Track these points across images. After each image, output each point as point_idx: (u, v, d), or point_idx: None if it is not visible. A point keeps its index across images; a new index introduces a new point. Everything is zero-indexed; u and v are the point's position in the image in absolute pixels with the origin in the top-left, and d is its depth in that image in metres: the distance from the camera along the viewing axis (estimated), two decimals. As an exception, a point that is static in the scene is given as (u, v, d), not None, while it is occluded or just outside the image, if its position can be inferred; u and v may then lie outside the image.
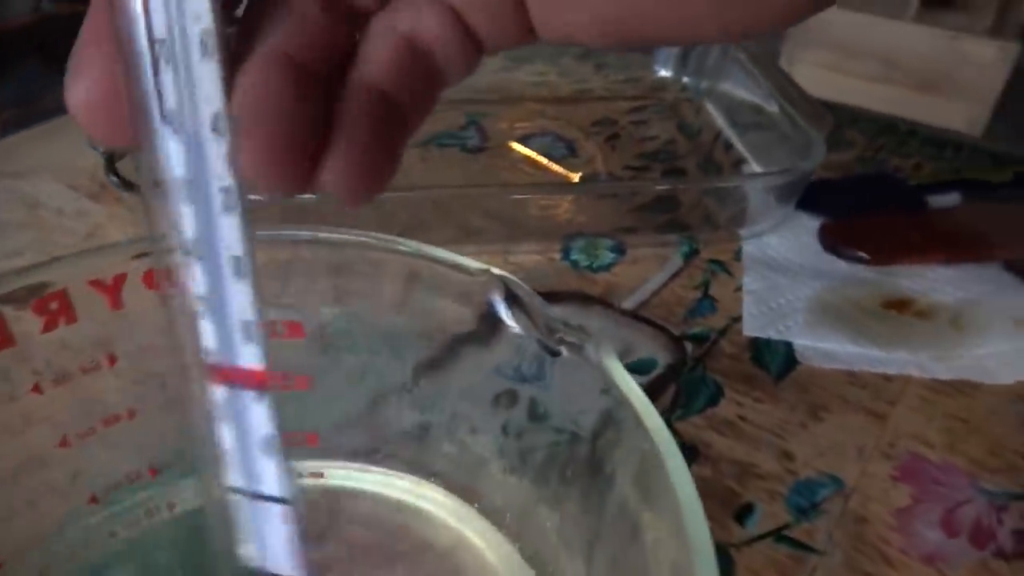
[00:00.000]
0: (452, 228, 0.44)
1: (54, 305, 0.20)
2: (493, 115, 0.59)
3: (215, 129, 0.13)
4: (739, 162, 0.53)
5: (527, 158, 0.54)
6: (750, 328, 0.38)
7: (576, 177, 0.53)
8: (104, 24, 0.13)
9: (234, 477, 0.16)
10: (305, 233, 0.23)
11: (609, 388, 0.18)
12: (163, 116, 0.13)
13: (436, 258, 0.21)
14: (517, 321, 0.20)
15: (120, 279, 0.21)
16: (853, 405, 0.34)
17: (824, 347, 0.37)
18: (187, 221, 0.13)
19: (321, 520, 0.26)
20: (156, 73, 0.12)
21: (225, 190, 0.13)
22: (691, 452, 0.32)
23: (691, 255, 0.44)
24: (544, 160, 0.54)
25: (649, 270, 0.43)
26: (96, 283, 0.21)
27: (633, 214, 0.45)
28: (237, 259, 0.14)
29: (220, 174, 0.13)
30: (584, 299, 0.41)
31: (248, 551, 0.17)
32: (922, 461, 0.32)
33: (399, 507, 0.26)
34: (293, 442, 0.25)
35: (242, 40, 0.13)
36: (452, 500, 0.25)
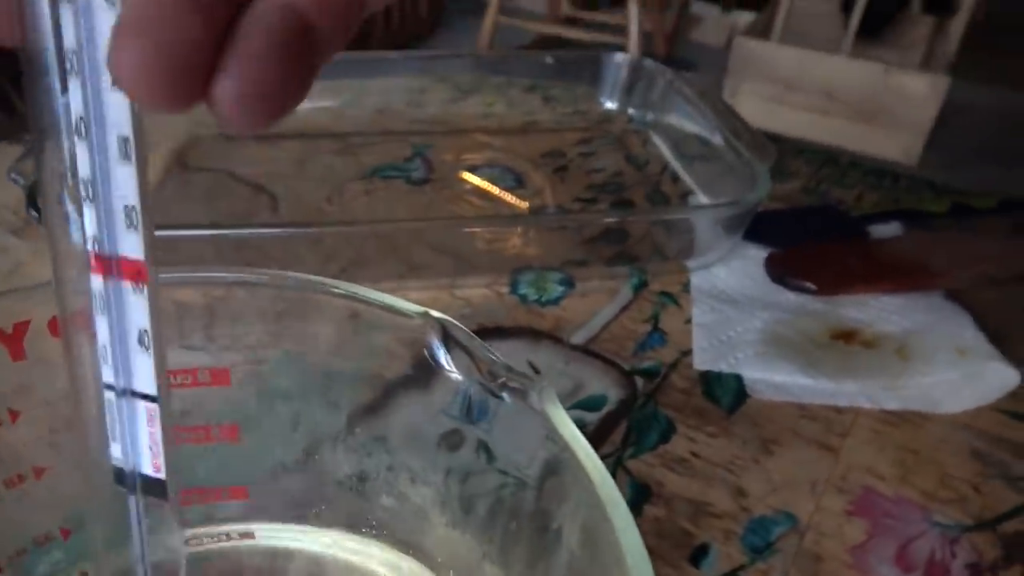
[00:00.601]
0: (397, 263, 0.43)
1: (-53, 357, 0.18)
2: (439, 147, 0.58)
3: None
4: (687, 193, 0.53)
5: (474, 189, 0.53)
6: (701, 362, 0.38)
7: (525, 205, 0.52)
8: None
9: (106, 372, 0.16)
10: (238, 275, 0.22)
11: (552, 436, 0.17)
12: None
13: (373, 301, 0.20)
14: (457, 366, 0.19)
15: (22, 327, 0.19)
16: (805, 438, 0.34)
17: (774, 379, 0.37)
18: (75, 96, 0.13)
19: (252, 581, 0.24)
20: None
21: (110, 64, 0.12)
22: (644, 491, 0.31)
23: (640, 287, 0.43)
24: (495, 189, 0.53)
25: (598, 303, 0.42)
26: (-6, 332, 0.19)
27: (582, 246, 0.44)
28: (125, 139, 0.13)
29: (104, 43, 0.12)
30: (533, 334, 0.40)
31: (116, 451, 0.17)
32: (875, 494, 0.32)
33: (337, 565, 0.24)
34: (220, 497, 0.24)
35: None
36: (394, 555, 0.23)
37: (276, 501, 0.24)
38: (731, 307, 0.42)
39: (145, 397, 0.16)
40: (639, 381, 0.37)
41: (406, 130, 0.61)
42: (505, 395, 0.18)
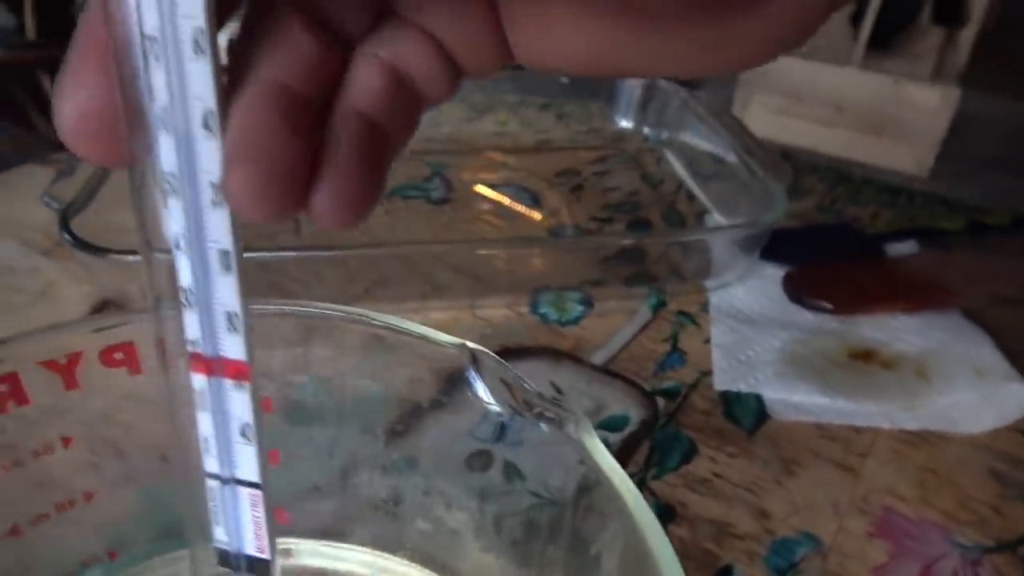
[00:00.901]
0: (419, 284, 0.44)
1: (4, 387, 0.19)
2: (456, 166, 0.59)
3: (206, 127, 0.13)
4: (702, 212, 0.54)
5: (494, 207, 0.54)
6: (721, 382, 0.38)
7: (539, 217, 0.53)
8: (94, 39, 0.13)
9: (211, 463, 0.16)
10: (274, 307, 0.22)
11: (587, 462, 0.17)
12: (154, 115, 0.13)
13: (410, 332, 0.21)
14: (494, 396, 0.19)
15: (75, 358, 0.20)
16: (825, 459, 0.35)
17: (794, 400, 0.37)
18: (176, 215, 0.14)
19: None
20: (147, 71, 0.12)
21: (215, 186, 0.13)
22: (667, 512, 0.32)
23: (659, 307, 0.44)
24: (509, 201, 0.54)
25: (618, 323, 0.43)
26: (50, 364, 0.20)
27: (600, 266, 0.45)
28: (225, 253, 0.14)
29: (210, 170, 0.13)
30: (554, 354, 0.40)
31: (220, 534, 0.17)
32: (896, 515, 0.32)
33: (371, 585, 0.25)
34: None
35: (234, 69, 0.13)
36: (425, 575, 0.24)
37: (313, 522, 0.25)
38: (749, 327, 0.42)
39: (248, 484, 0.17)
40: (660, 401, 0.37)
41: (422, 149, 0.61)
42: (543, 425, 0.18)
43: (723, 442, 0.35)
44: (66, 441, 0.21)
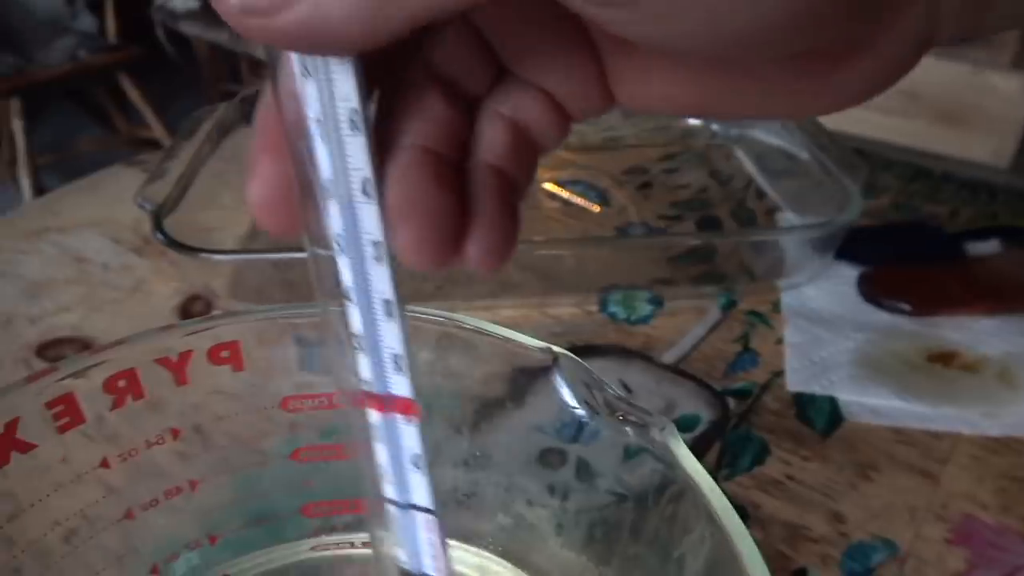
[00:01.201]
0: (489, 282, 0.45)
1: (123, 383, 0.21)
2: (525, 164, 0.60)
3: (365, 192, 0.14)
4: (773, 210, 0.53)
5: (562, 205, 0.55)
6: (794, 383, 0.38)
7: (598, 209, 0.53)
8: (269, 132, 0.15)
9: (389, 489, 0.18)
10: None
11: (671, 465, 0.18)
12: (322, 186, 0.15)
13: (497, 335, 0.22)
14: (576, 399, 0.20)
15: (186, 356, 0.21)
16: (902, 464, 0.34)
17: (870, 402, 0.37)
18: (345, 271, 0.15)
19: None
20: (312, 151, 0.14)
21: (375, 244, 0.15)
22: (740, 513, 0.32)
23: (729, 306, 0.44)
24: (577, 199, 0.55)
25: (688, 322, 0.43)
26: (164, 361, 0.21)
27: (669, 265, 0.45)
28: (388, 302, 0.16)
29: (370, 230, 0.15)
30: (624, 353, 0.41)
31: (401, 555, 0.19)
32: (976, 523, 0.31)
33: None
34: (349, 508, 0.25)
35: (382, 139, 0.15)
36: (508, 570, 0.25)
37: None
38: (823, 327, 0.42)
39: (423, 509, 0.18)
40: (731, 402, 0.37)
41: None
42: (628, 429, 0.19)
43: (796, 444, 0.35)
44: (175, 432, 0.22)
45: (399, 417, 0.17)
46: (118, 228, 0.53)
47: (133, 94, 1.71)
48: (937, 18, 0.14)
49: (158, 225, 0.42)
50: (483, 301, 0.44)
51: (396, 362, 0.16)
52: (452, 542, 0.26)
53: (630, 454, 0.20)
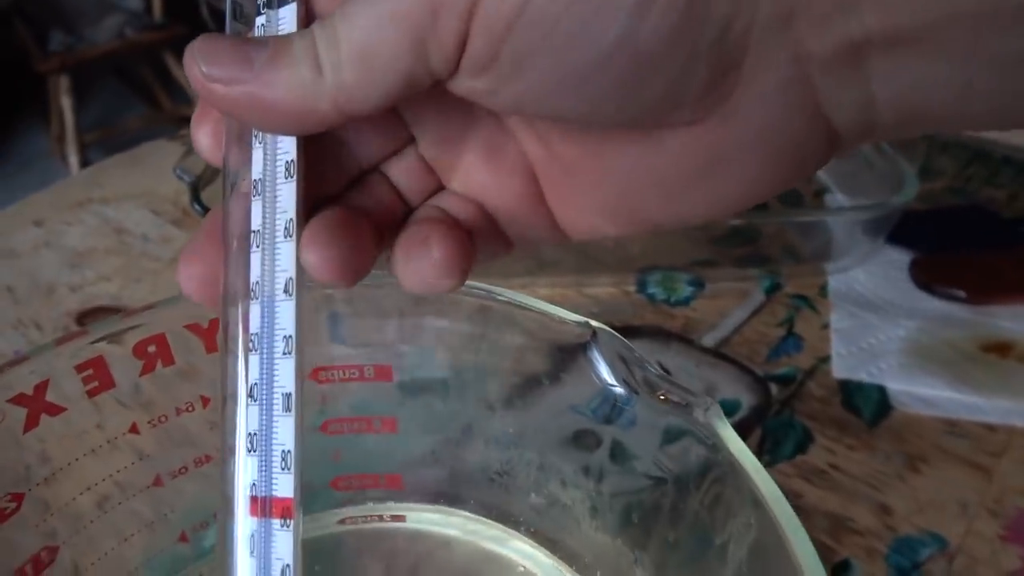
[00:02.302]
0: (526, 260, 0.44)
1: (152, 348, 0.20)
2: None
3: (286, 291, 0.16)
4: (821, 191, 0.51)
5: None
6: (840, 370, 0.37)
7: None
8: (213, 225, 0.17)
9: None
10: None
11: (716, 448, 0.17)
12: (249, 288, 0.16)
13: (534, 308, 0.21)
14: (615, 376, 0.19)
15: (216, 322, 0.21)
16: (953, 456, 0.33)
17: (920, 392, 0.35)
18: (254, 368, 0.16)
19: (401, 566, 0.25)
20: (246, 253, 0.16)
21: (286, 338, 0.16)
22: (780, 502, 0.31)
23: (773, 289, 0.42)
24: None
25: (729, 304, 0.41)
26: (194, 327, 0.21)
27: (711, 246, 0.44)
28: (288, 395, 0.16)
29: (284, 326, 0.16)
30: (663, 335, 0.39)
31: None
32: (1033, 520, 0.30)
33: (479, 553, 0.25)
34: (377, 483, 0.25)
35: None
36: (538, 550, 0.24)
37: (427, 488, 0.25)
38: (872, 313, 0.40)
39: None
40: (773, 387, 0.36)
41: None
42: (670, 410, 0.18)
43: (841, 432, 0.34)
44: (204, 400, 0.22)
45: (276, 522, 0.16)
46: (158, 200, 0.53)
47: (178, 72, 1.73)
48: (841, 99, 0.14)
49: (196, 196, 0.42)
50: (520, 279, 0.43)
51: (285, 459, 0.16)
52: (481, 520, 0.26)
53: (670, 435, 0.19)
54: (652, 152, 0.16)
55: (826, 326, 0.39)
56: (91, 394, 0.20)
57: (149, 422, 0.21)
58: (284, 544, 0.16)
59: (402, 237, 0.17)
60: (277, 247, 0.16)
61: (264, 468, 0.16)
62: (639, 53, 0.14)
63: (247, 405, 0.16)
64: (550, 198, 0.18)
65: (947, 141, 0.57)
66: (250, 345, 0.16)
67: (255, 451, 0.16)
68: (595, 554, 0.22)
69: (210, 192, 0.43)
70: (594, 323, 0.20)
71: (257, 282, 0.16)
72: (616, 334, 0.19)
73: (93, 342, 0.20)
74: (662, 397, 0.18)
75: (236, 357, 0.16)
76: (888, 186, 0.43)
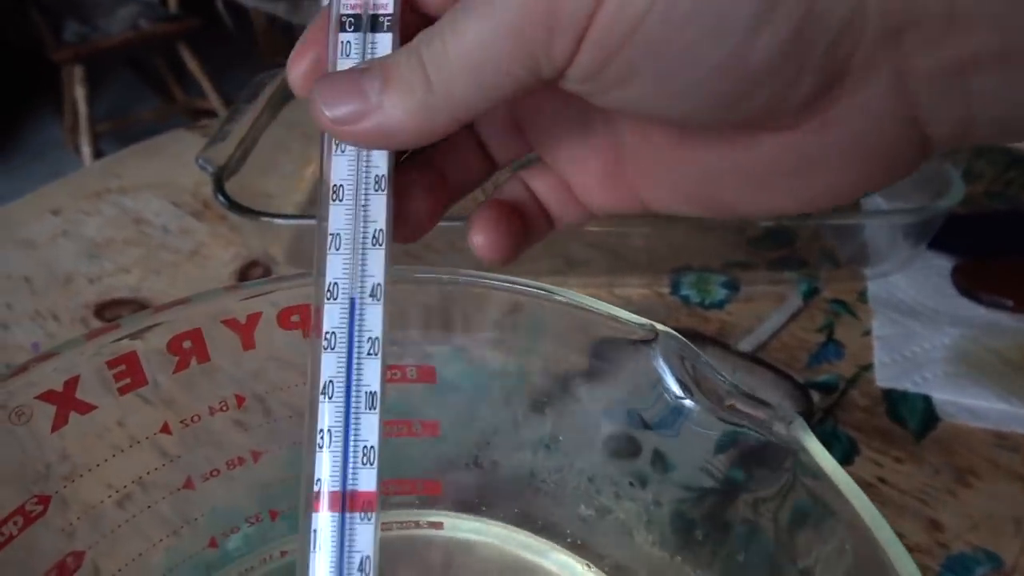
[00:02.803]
0: (555, 259, 0.43)
1: (187, 344, 0.19)
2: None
3: (373, 295, 0.17)
4: (856, 194, 0.50)
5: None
6: (883, 378, 0.35)
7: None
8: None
9: None
10: (468, 276, 0.22)
11: (801, 464, 0.16)
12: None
13: (595, 309, 0.20)
14: (682, 388, 0.18)
15: (254, 318, 0.20)
16: (1005, 471, 0.31)
17: (968, 403, 0.34)
18: (341, 368, 0.17)
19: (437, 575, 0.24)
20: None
21: (372, 339, 0.17)
22: (826, 515, 0.29)
23: (811, 294, 0.41)
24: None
25: (765, 308, 0.40)
26: (231, 322, 0.20)
27: (746, 247, 0.43)
28: (372, 394, 0.17)
29: (371, 328, 0.17)
30: (698, 338, 0.38)
31: None
32: (1093, 540, 0.29)
33: (519, 564, 0.24)
34: (415, 489, 0.24)
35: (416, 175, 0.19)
36: (584, 567, 0.23)
37: (465, 495, 0.24)
38: (914, 320, 0.39)
39: None
40: (815, 395, 0.35)
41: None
42: (745, 424, 0.17)
43: (887, 444, 0.32)
44: (239, 399, 0.21)
45: (357, 516, 0.17)
46: (178, 191, 0.52)
47: (191, 64, 1.73)
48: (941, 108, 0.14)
49: (219, 187, 0.41)
50: (549, 278, 0.42)
51: (368, 455, 0.17)
52: (522, 530, 0.25)
53: (738, 446, 0.18)
54: (743, 149, 0.16)
55: (867, 333, 0.38)
56: (122, 392, 0.19)
57: (181, 421, 0.20)
58: (365, 537, 0.16)
59: (481, 211, 0.19)
60: (367, 253, 0.17)
61: (347, 462, 0.17)
62: (747, 71, 0.14)
63: (331, 402, 0.17)
64: (633, 173, 0.19)
65: (983, 147, 0.56)
66: (339, 345, 0.17)
67: (337, 446, 0.17)
68: (650, 570, 0.21)
69: (234, 183, 0.42)
70: (659, 326, 0.19)
71: (347, 285, 0.17)
72: (681, 338, 0.18)
73: (123, 337, 0.19)
74: (733, 408, 0.17)
75: (327, 357, 0.17)
76: (928, 190, 0.41)
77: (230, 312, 0.20)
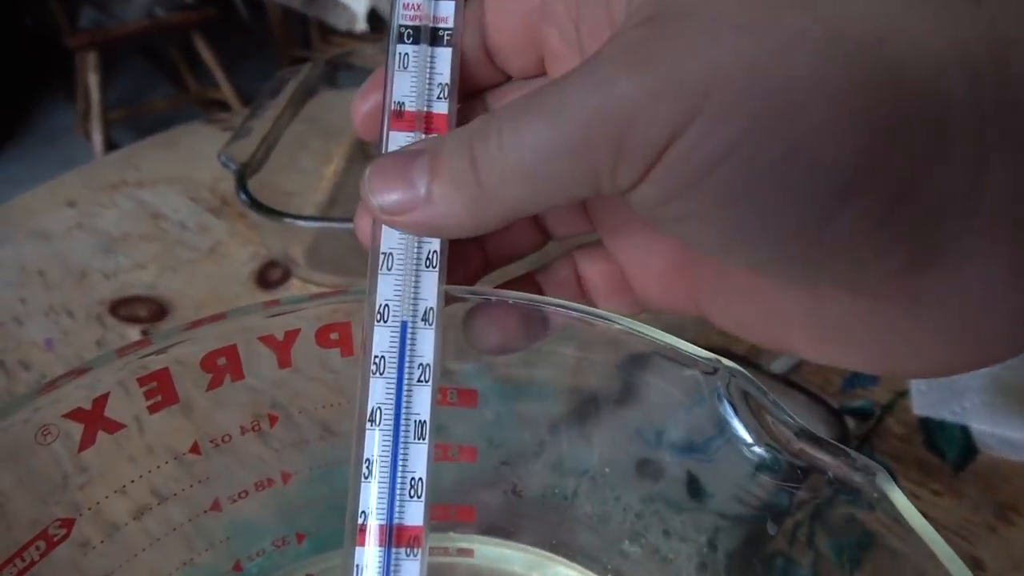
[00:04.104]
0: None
1: (222, 361, 0.18)
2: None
3: (425, 320, 0.17)
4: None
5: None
6: (920, 407, 0.34)
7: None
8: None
9: None
10: (517, 298, 0.21)
11: (886, 523, 0.15)
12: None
13: (657, 340, 0.19)
14: (749, 429, 0.17)
15: (292, 335, 0.19)
16: (1049, 508, 0.30)
17: (1007, 435, 0.33)
18: (390, 394, 0.16)
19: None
20: None
21: (423, 366, 0.16)
22: (864, 550, 0.28)
23: (844, 315, 0.40)
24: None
25: (797, 329, 0.39)
26: (268, 339, 0.19)
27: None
28: (422, 423, 0.16)
29: (422, 354, 0.17)
30: (729, 358, 0.37)
31: None
32: None
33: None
34: (448, 515, 0.23)
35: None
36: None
37: (498, 522, 0.23)
38: (951, 347, 0.38)
39: None
40: (849, 421, 0.34)
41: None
42: (821, 474, 0.16)
43: (925, 476, 0.31)
44: (272, 419, 0.20)
45: (403, 551, 0.16)
46: (196, 187, 0.51)
47: (206, 54, 1.72)
48: None
49: (242, 185, 0.40)
50: (574, 290, 0.41)
51: (416, 487, 0.16)
52: (557, 560, 0.24)
53: (809, 494, 0.17)
54: (818, 299, 0.15)
55: (903, 358, 0.37)
56: (152, 410, 0.18)
57: (211, 441, 0.19)
58: (410, 575, 0.16)
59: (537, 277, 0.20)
60: (420, 275, 0.17)
61: (393, 494, 0.16)
62: (819, 245, 0.12)
63: (379, 430, 0.16)
64: (697, 285, 0.18)
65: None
66: (388, 370, 0.16)
67: (384, 477, 0.16)
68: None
69: (256, 180, 0.41)
70: (725, 360, 0.18)
71: (398, 308, 0.17)
72: (748, 375, 0.17)
73: (155, 352, 0.18)
74: (801, 450, 0.16)
75: (375, 382, 0.16)
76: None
77: (267, 328, 0.19)
